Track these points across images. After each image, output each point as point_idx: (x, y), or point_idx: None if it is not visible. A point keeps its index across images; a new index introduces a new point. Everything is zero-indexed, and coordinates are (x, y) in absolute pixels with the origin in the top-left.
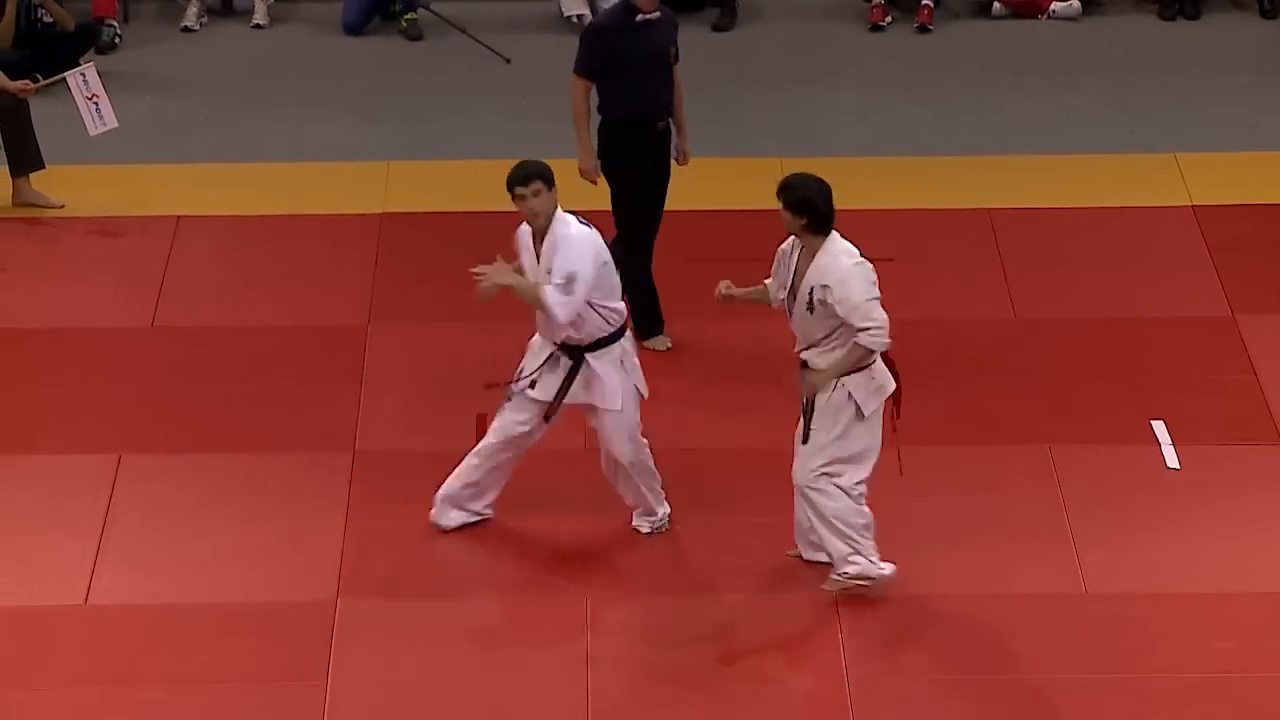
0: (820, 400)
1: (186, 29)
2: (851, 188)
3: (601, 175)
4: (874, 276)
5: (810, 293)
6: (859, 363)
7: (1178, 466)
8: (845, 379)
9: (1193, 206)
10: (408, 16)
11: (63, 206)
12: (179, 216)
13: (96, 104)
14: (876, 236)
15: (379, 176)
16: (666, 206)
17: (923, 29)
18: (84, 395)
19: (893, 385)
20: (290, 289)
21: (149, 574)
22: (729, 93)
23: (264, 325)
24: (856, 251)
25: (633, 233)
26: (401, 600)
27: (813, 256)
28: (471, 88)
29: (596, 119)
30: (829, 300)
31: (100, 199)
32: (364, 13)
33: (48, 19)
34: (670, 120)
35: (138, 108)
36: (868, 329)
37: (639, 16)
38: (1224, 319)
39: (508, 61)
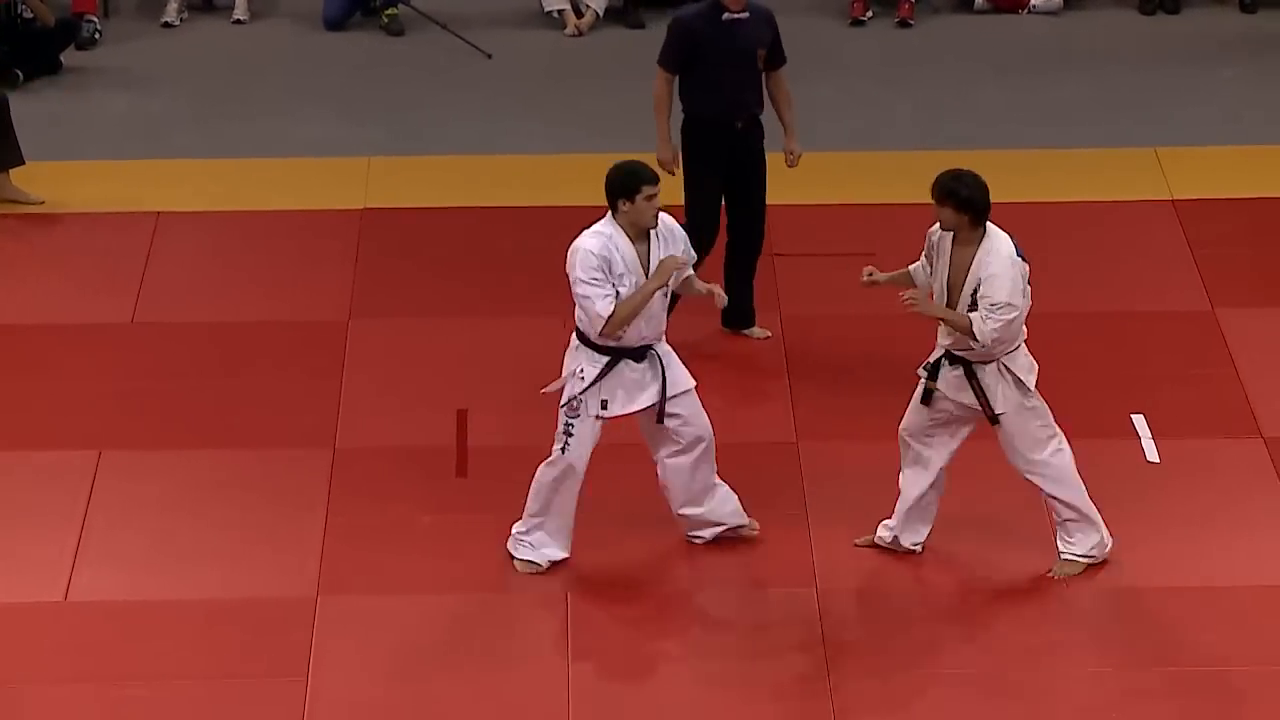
0: (996, 397)
1: (167, 24)
2: (831, 182)
3: (678, 166)
4: (1024, 280)
5: (976, 289)
6: (959, 330)
7: (1158, 460)
8: (1006, 362)
9: (1173, 201)
10: (389, 12)
11: (42, 203)
12: (159, 212)
13: None
14: (857, 231)
15: (360, 172)
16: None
17: (903, 24)
18: (64, 391)
19: (1036, 364)
20: (271, 284)
21: (129, 570)
22: None
23: (244, 321)
24: (1013, 245)
25: (695, 229)
26: (381, 596)
27: (973, 248)
28: (452, 83)
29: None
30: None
31: (81, 195)
32: (345, 8)
33: (28, 14)
34: (759, 121)
35: (118, 103)
36: (988, 322)
37: (725, 15)
38: (1204, 313)
39: (489, 57)
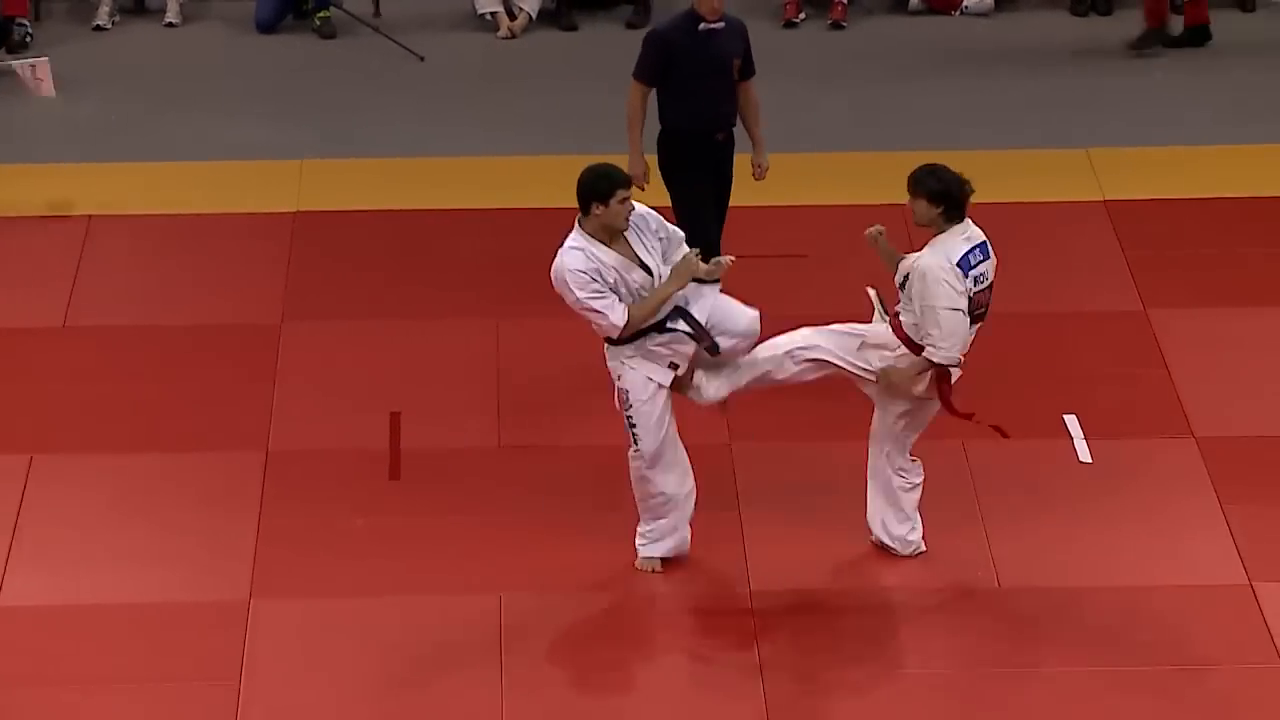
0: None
1: (98, 28)
2: (765, 184)
3: (648, 181)
4: (962, 286)
5: (906, 277)
6: (926, 370)
7: (1090, 460)
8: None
9: (1105, 202)
10: (321, 14)
11: None
12: (90, 216)
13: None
14: (791, 233)
15: (292, 174)
16: None
17: (836, 25)
18: None
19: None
20: (203, 288)
21: (61, 575)
22: None
23: (177, 324)
24: (963, 255)
25: (703, 238)
26: (314, 600)
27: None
28: (385, 86)
29: (657, 127)
30: (912, 287)
31: (11, 198)
32: (277, 11)
33: None
34: (732, 132)
35: (49, 107)
36: (939, 348)
37: (701, 25)
38: (1136, 313)
39: (421, 59)
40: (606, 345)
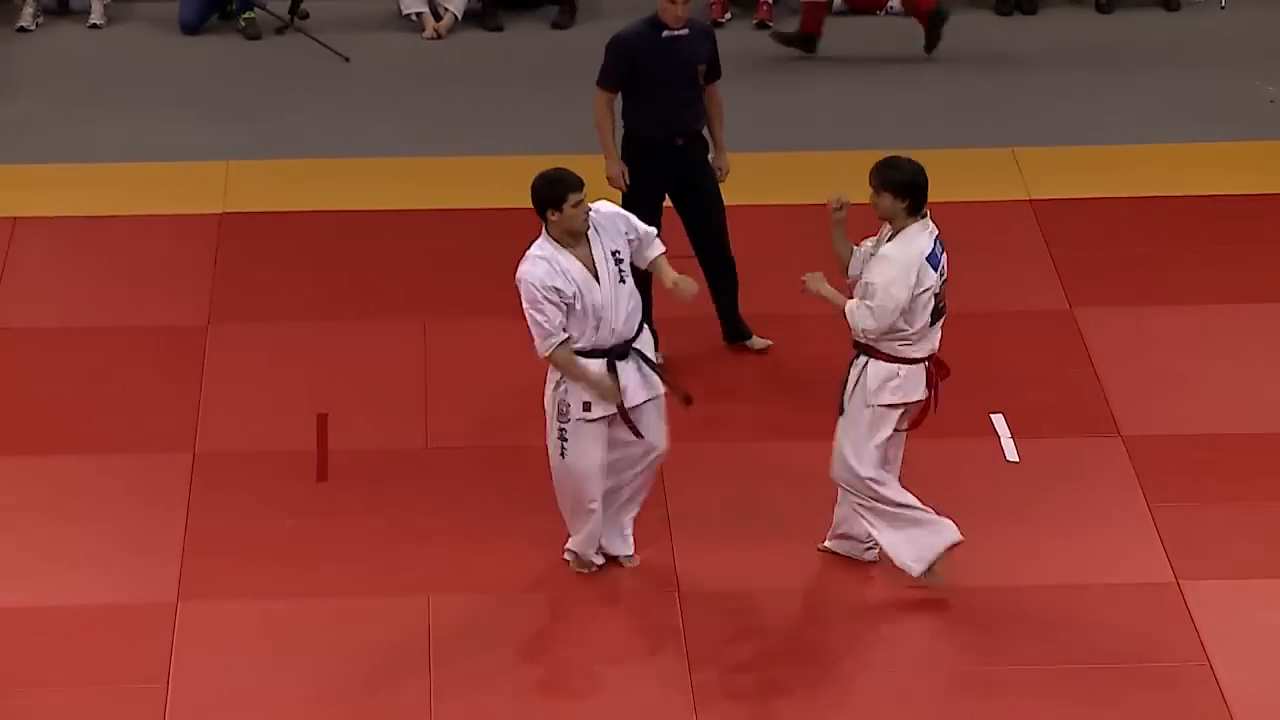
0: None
1: (22, 29)
2: None
3: (628, 181)
4: (927, 281)
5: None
6: (838, 308)
7: (1017, 459)
8: (870, 364)
9: (1031, 201)
10: (246, 15)
11: None
12: (15, 218)
13: None
14: None
15: (218, 176)
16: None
17: (762, 25)
18: None
19: (918, 396)
20: (129, 290)
21: None
22: (569, 90)
23: (103, 326)
24: (932, 249)
25: None
26: (242, 602)
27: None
28: (311, 86)
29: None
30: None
31: None
32: (201, 12)
33: None
34: (703, 136)
35: None
36: (859, 309)
37: (665, 32)
38: (1062, 312)
39: (346, 60)
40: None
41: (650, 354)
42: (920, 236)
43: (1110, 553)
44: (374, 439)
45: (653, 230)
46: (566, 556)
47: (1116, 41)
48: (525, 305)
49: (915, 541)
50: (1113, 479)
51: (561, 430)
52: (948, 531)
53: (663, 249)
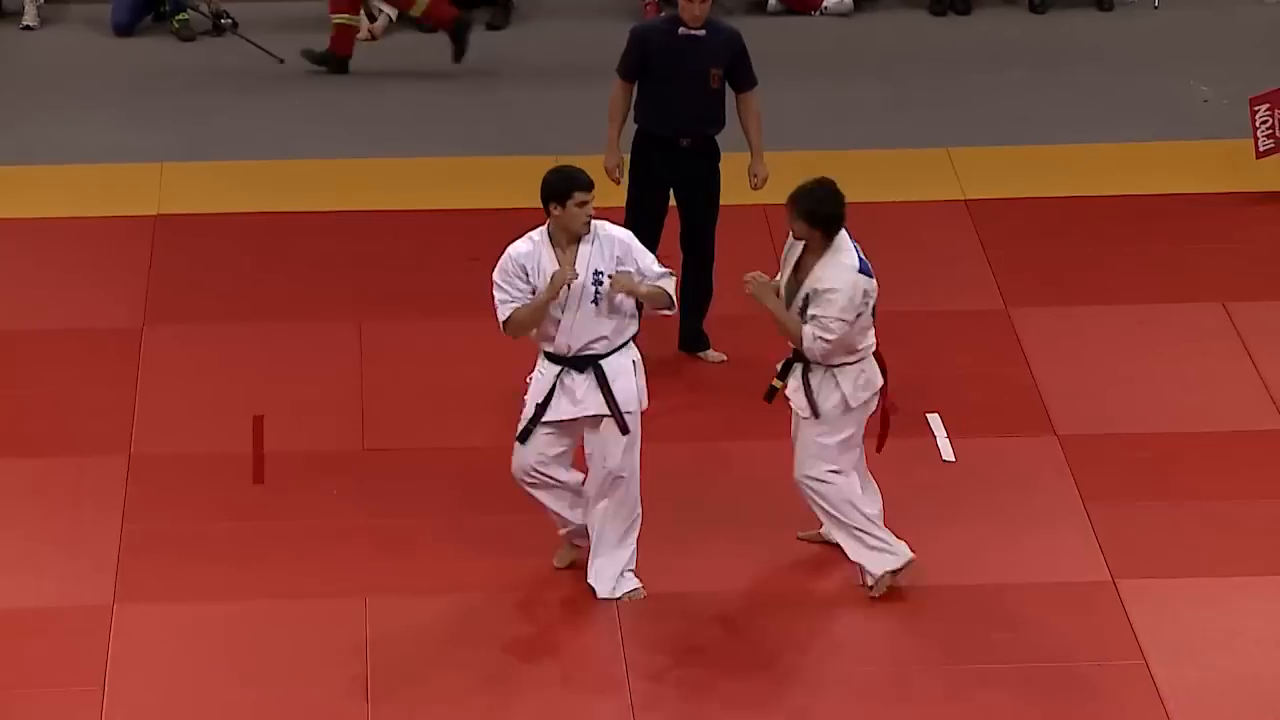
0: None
1: None
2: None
3: (622, 174)
4: (866, 296)
5: (805, 298)
6: (789, 335)
7: (953, 459)
8: (836, 371)
9: (965, 201)
10: (179, 17)
11: None
12: None
13: None
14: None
15: (152, 178)
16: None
17: None
18: None
19: (879, 381)
20: (64, 292)
21: None
22: (505, 91)
23: (35, 329)
24: (858, 257)
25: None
26: (178, 604)
27: (818, 257)
28: (245, 88)
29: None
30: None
31: None
32: (134, 13)
33: None
34: (714, 142)
35: None
36: (818, 342)
37: (681, 30)
38: (997, 312)
39: (281, 61)
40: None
41: (627, 382)
42: (845, 253)
43: (1046, 552)
44: (310, 441)
45: (665, 272)
46: None
47: (1051, 42)
48: (494, 274)
49: (874, 554)
50: (1048, 478)
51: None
52: (900, 557)
53: (669, 285)
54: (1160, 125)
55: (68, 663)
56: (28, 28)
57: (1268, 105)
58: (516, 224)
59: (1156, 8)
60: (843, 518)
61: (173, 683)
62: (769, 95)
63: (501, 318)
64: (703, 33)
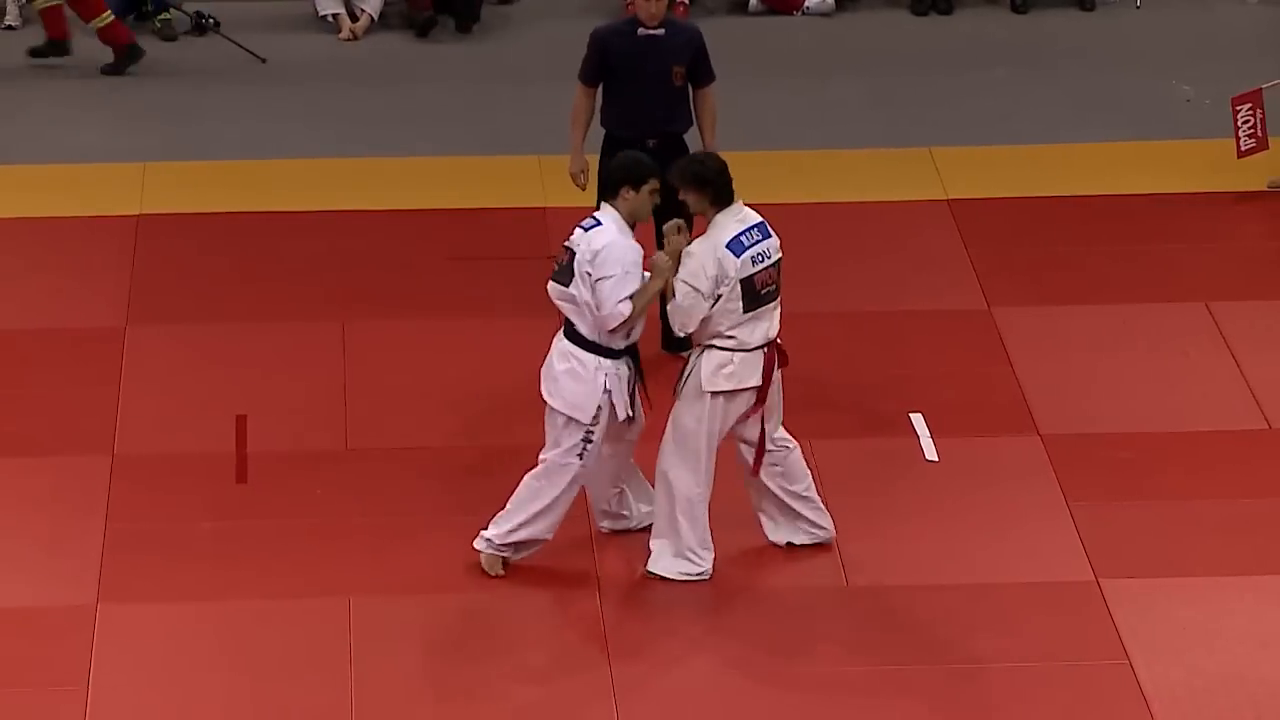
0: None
1: None
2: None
3: (586, 180)
4: (714, 266)
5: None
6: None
7: (936, 459)
8: (704, 352)
9: (948, 200)
10: (161, 17)
11: None
12: None
13: None
14: None
15: (135, 178)
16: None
17: None
18: None
19: (754, 382)
20: (46, 292)
21: None
22: (485, 91)
23: (18, 329)
24: (737, 237)
25: None
26: (162, 604)
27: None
28: (227, 88)
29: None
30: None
31: None
32: (117, 13)
33: None
34: (681, 140)
35: None
36: (674, 304)
37: (640, 30)
38: (980, 312)
39: (263, 61)
40: (581, 351)
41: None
42: (726, 225)
43: (1029, 551)
44: (293, 440)
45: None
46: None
47: (1032, 41)
48: (607, 271)
49: (674, 555)
50: (1031, 478)
51: (589, 432)
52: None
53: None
54: (1142, 125)
55: (51, 662)
56: (10, 28)
57: (1249, 105)
58: (500, 223)
59: (1138, 8)
60: (676, 510)
61: (156, 682)
62: (751, 96)
63: (625, 311)
64: (661, 32)
